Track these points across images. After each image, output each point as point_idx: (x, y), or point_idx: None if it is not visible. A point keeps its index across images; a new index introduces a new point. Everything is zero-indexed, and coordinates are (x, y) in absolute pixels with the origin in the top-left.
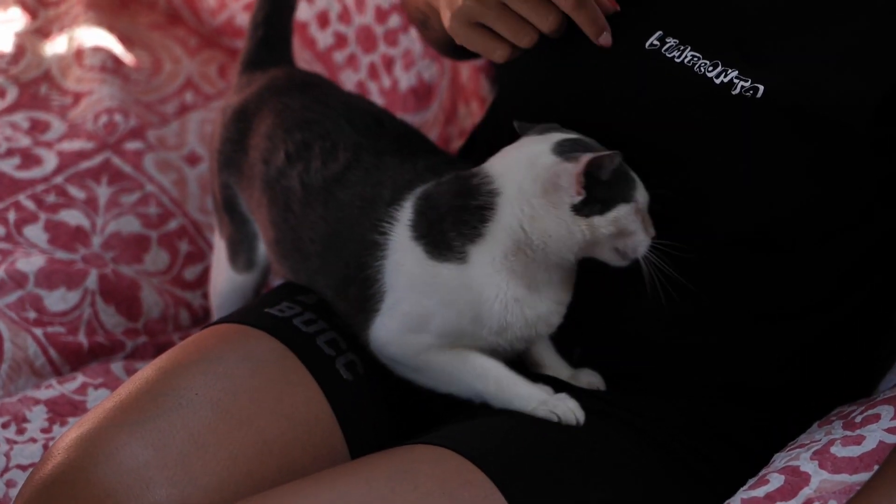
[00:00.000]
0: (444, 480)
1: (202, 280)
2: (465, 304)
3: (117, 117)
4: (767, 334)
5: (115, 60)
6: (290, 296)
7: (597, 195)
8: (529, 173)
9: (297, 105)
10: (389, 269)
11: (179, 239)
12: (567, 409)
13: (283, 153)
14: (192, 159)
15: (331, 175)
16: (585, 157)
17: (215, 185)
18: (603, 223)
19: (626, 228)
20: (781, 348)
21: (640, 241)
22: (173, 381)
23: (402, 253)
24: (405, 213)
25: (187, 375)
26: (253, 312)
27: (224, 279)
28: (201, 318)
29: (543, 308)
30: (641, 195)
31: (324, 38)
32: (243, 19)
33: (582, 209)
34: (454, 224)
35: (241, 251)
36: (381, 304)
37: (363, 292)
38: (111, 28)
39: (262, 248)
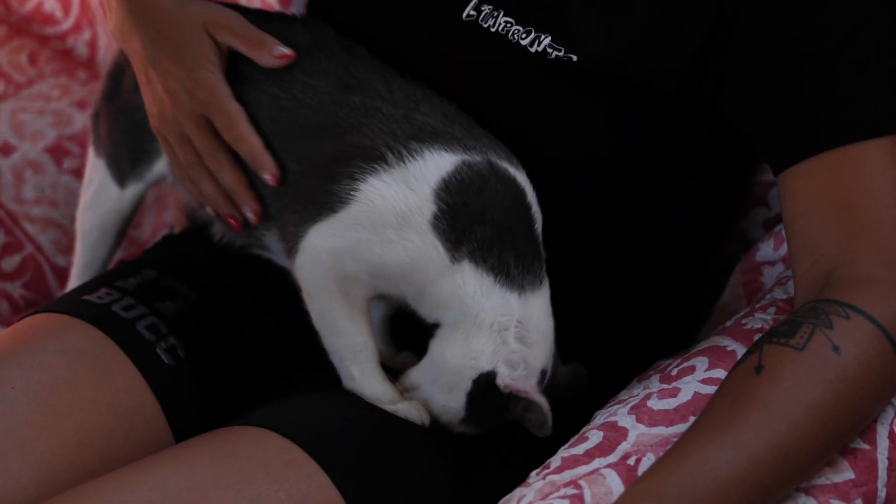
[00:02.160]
0: (266, 462)
1: (21, 270)
2: None
3: None
4: (585, 294)
5: None
6: (108, 282)
7: None
8: None
9: None
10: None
11: None
12: (415, 412)
13: None
14: (5, 149)
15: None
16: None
17: (115, 109)
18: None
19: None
20: (600, 307)
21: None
22: None
23: None
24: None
25: (2, 369)
26: (70, 301)
27: (105, 202)
28: (22, 308)
29: None
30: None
31: None
32: (51, 5)
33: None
34: None
35: (129, 167)
36: (340, 206)
37: (326, 186)
38: None
39: (158, 164)
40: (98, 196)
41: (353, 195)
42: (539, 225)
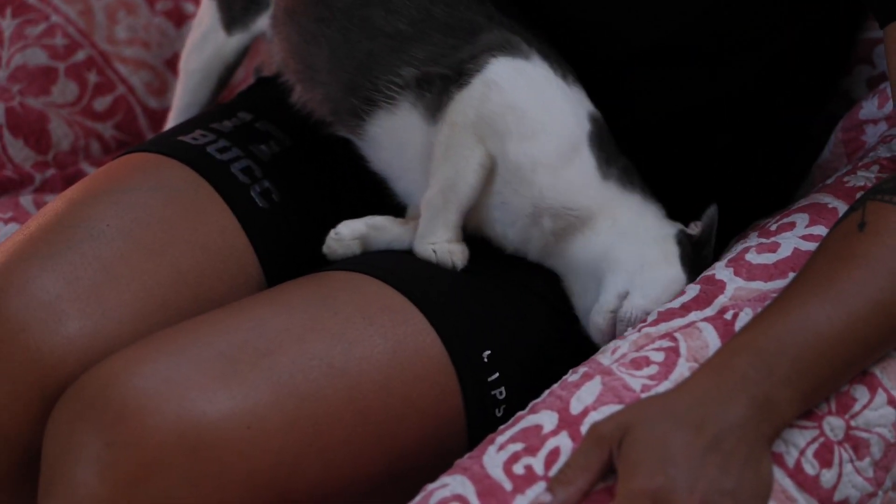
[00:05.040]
0: (363, 306)
1: (112, 111)
2: None
3: None
4: (689, 153)
5: None
6: (203, 124)
7: None
8: None
9: None
10: None
11: (88, 70)
12: (448, 256)
13: None
14: None
15: None
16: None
17: None
18: None
19: None
20: (701, 166)
21: None
22: (83, 212)
23: None
24: None
25: (97, 206)
26: (164, 141)
27: (210, 45)
28: (112, 148)
29: None
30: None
31: None
32: None
33: None
34: None
35: (239, 13)
36: (476, 73)
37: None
38: None
39: (264, 17)
40: (205, 39)
41: None
42: None
